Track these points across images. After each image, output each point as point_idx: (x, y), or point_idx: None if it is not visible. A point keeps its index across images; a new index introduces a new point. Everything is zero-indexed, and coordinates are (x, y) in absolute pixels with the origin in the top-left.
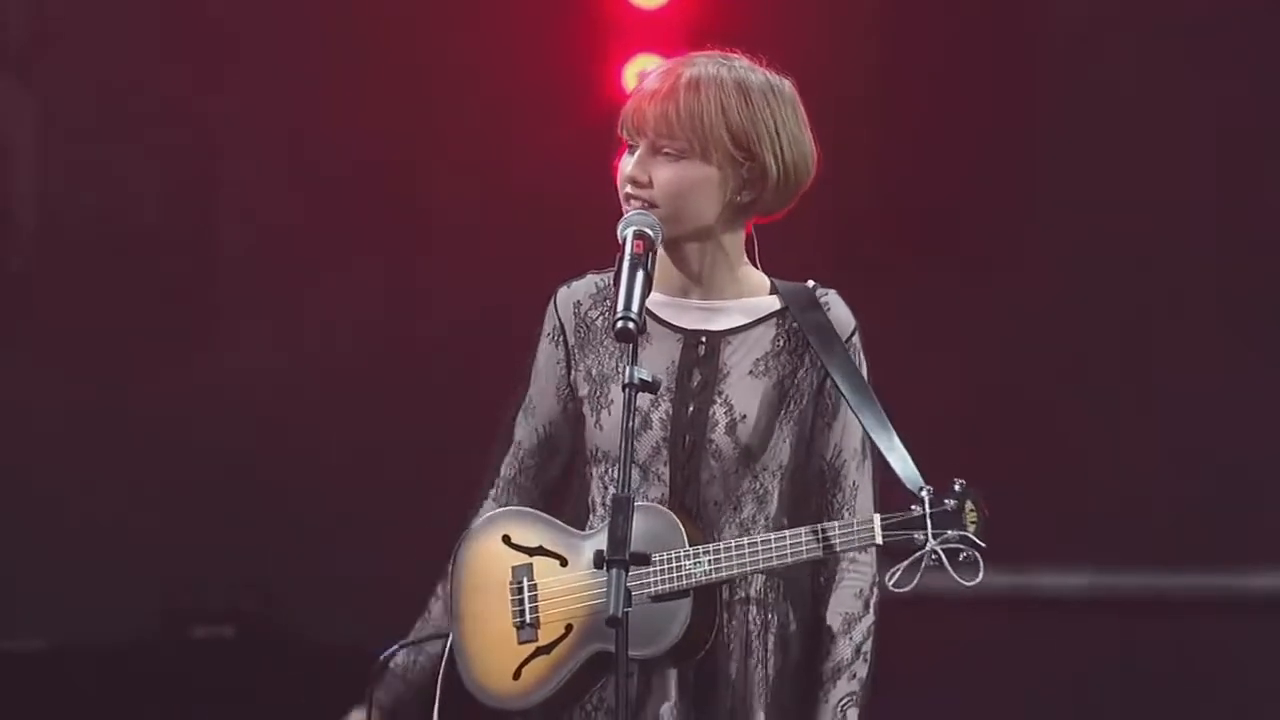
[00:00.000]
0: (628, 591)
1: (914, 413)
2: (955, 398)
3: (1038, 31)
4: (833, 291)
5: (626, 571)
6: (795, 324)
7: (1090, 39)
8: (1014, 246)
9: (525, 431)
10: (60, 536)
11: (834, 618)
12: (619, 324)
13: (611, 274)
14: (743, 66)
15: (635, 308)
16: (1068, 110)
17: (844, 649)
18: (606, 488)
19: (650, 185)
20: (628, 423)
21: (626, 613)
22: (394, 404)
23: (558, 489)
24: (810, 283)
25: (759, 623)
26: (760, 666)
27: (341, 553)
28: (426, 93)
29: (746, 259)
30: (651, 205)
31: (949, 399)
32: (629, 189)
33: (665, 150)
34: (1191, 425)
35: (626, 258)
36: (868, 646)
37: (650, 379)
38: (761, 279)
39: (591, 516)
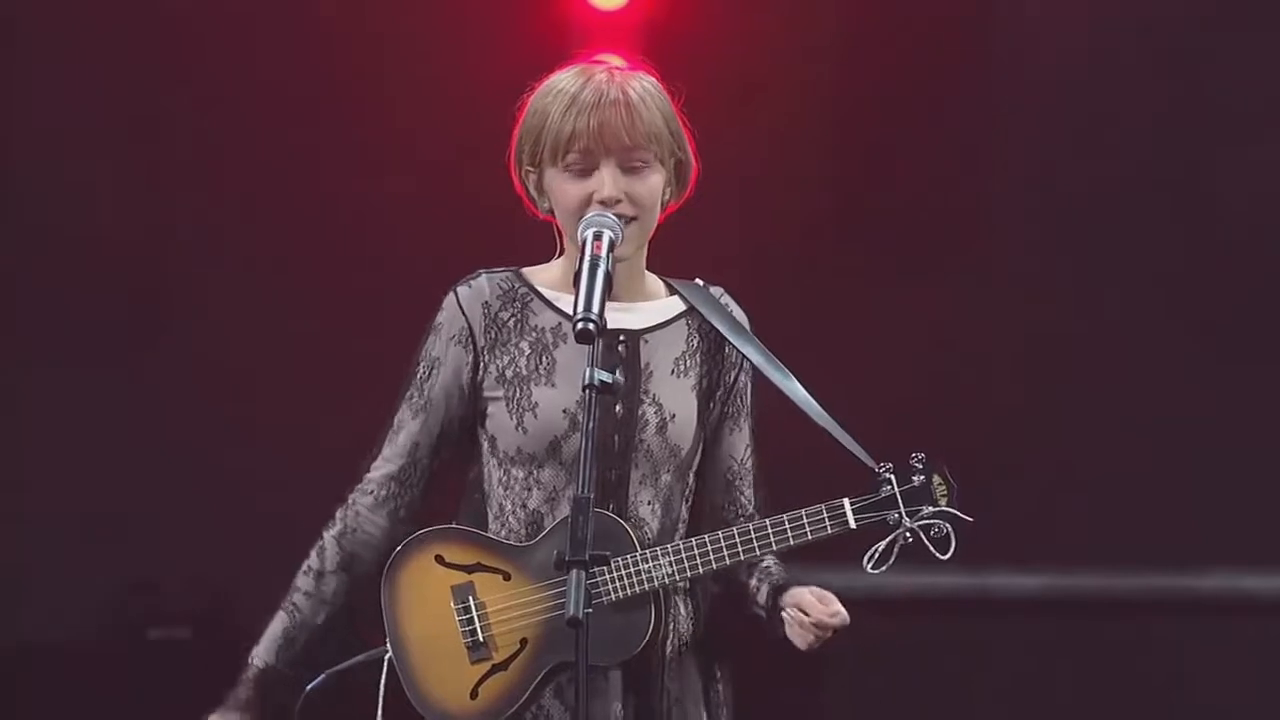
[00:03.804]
0: (588, 593)
1: (869, 413)
2: (910, 399)
3: (992, 33)
4: (723, 290)
5: (586, 572)
6: (704, 323)
7: (1043, 39)
8: (968, 247)
9: (421, 430)
10: (13, 537)
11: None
12: (579, 325)
13: (507, 273)
14: (634, 71)
15: (596, 308)
16: (1020, 110)
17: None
18: (530, 490)
19: (626, 201)
20: (590, 423)
21: (588, 614)
22: (355, 403)
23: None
24: (698, 280)
25: (690, 617)
26: (692, 657)
27: (297, 553)
28: (380, 97)
29: None
30: (631, 220)
31: (903, 400)
32: (605, 209)
33: (636, 163)
34: (1146, 427)
35: (586, 258)
36: None
37: (611, 380)
38: (655, 278)
39: (509, 519)
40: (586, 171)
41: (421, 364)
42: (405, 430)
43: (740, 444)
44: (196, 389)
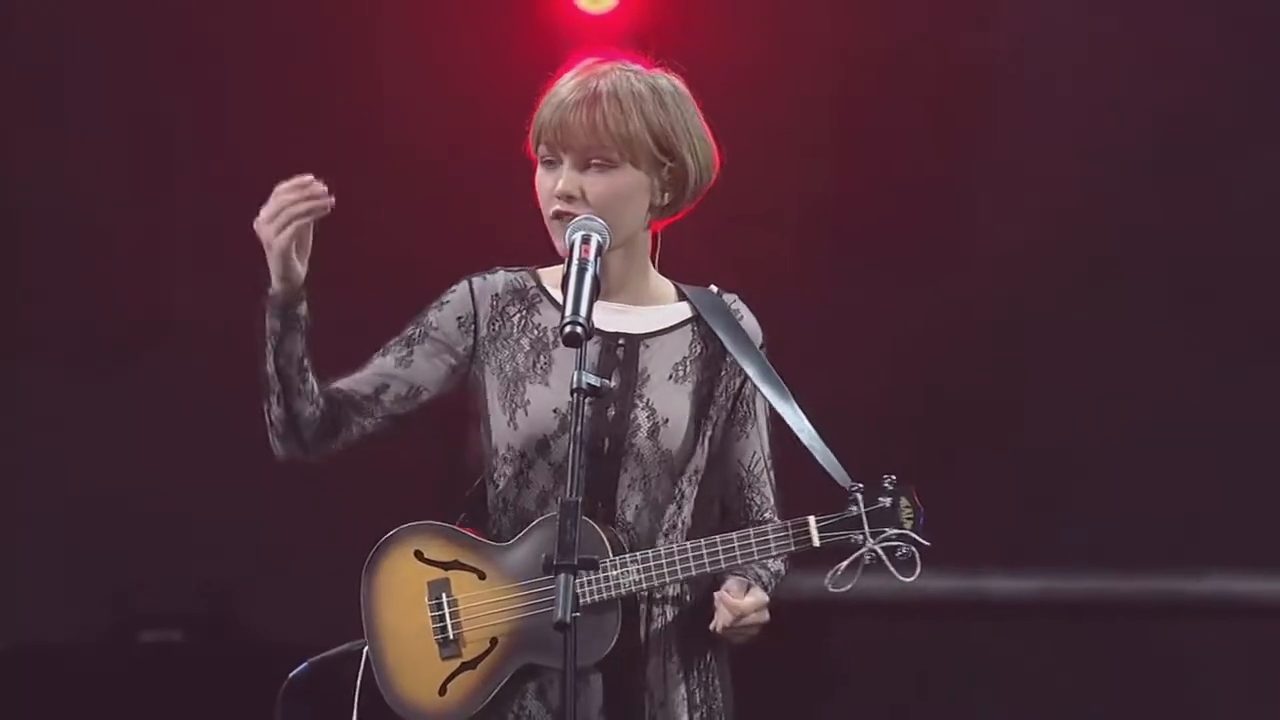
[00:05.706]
0: (575, 597)
1: (863, 417)
2: (904, 402)
3: (982, 36)
4: (737, 297)
5: (575, 576)
6: (709, 330)
7: (1032, 46)
8: (961, 249)
9: (395, 372)
10: (7, 539)
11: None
12: (567, 328)
13: (522, 273)
14: (646, 71)
15: (584, 311)
16: (1013, 113)
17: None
18: (520, 489)
19: (581, 199)
20: (577, 427)
21: (575, 618)
22: None
23: (344, 446)
24: (713, 287)
25: (677, 623)
26: (678, 663)
27: (291, 555)
28: (371, 99)
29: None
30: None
31: (898, 403)
32: (560, 205)
33: (595, 162)
34: (1141, 428)
35: (574, 262)
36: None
37: (599, 384)
38: (666, 283)
39: (500, 517)
40: (553, 165)
41: (414, 326)
42: (375, 368)
43: (749, 449)
44: (196, 390)
